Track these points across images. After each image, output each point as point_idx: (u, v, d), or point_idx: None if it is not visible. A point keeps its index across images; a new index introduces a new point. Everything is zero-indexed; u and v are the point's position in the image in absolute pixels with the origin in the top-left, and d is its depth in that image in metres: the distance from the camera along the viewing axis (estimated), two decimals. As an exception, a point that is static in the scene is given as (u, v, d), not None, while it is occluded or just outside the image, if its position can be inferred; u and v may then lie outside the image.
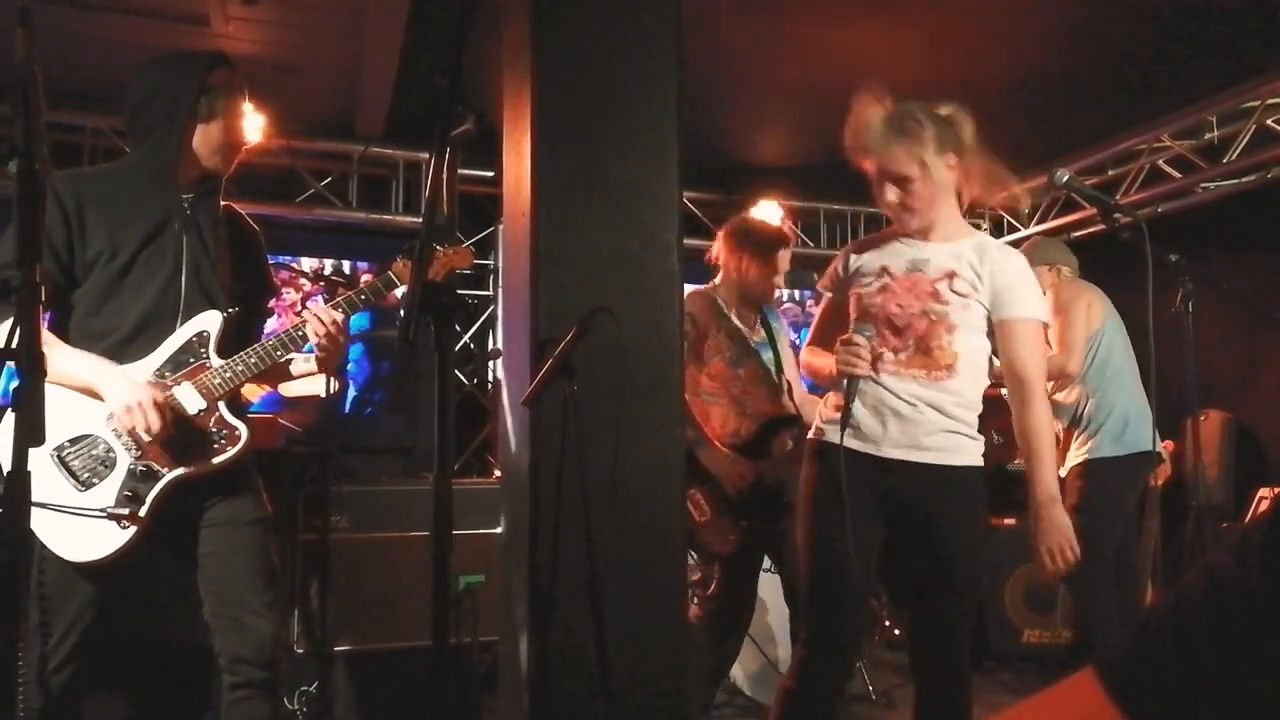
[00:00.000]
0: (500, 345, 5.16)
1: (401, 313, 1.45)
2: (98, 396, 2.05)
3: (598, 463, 2.03)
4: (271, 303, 2.50)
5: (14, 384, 1.23)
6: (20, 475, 1.20)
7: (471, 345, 5.52)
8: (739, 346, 3.08)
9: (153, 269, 2.12)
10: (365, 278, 5.34)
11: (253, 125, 2.30)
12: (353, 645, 3.46)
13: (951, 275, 2.21)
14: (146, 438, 2.05)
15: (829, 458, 2.21)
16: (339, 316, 2.22)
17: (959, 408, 2.21)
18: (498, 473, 4.91)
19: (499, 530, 2.68)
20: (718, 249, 3.20)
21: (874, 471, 2.18)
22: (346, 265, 5.41)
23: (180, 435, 2.08)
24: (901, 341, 2.20)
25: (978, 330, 2.23)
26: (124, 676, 3.07)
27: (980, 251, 2.24)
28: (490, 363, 5.30)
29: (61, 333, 2.09)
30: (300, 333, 2.19)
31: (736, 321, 3.11)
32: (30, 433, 1.19)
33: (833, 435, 2.21)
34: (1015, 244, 6.09)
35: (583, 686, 2.05)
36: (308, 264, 5.24)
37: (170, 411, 2.05)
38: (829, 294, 2.43)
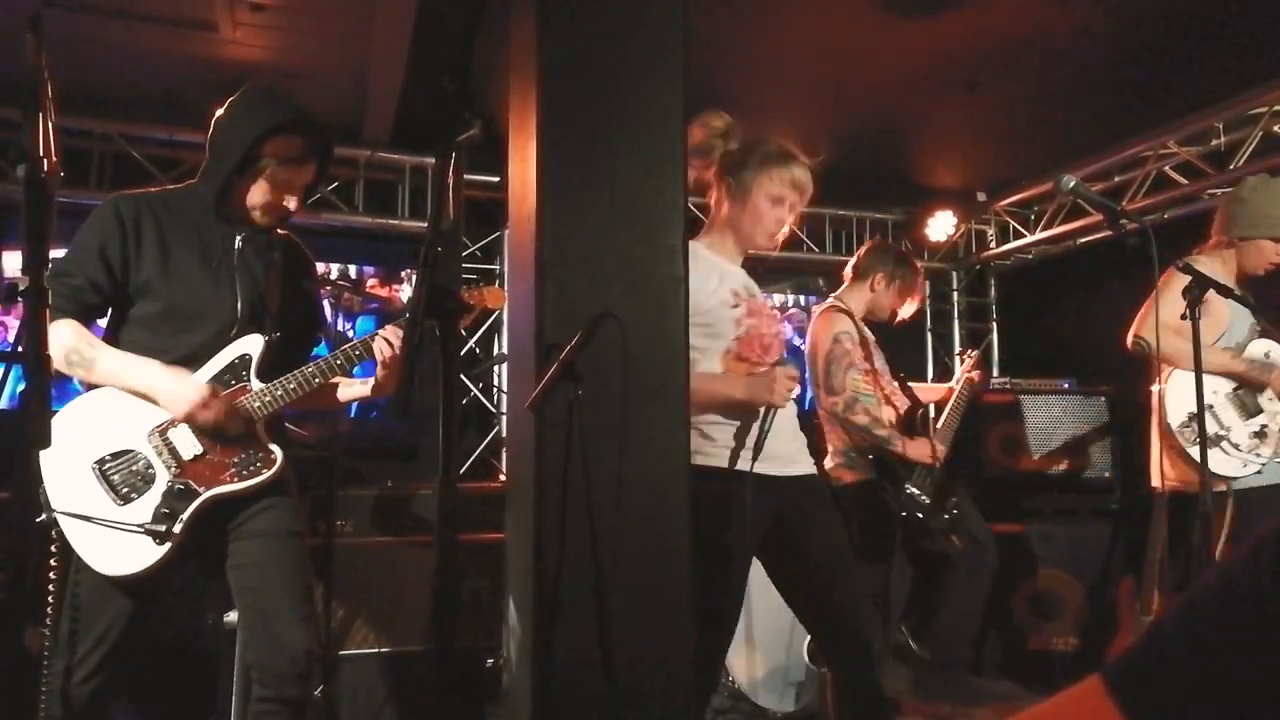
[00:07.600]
0: (505, 350, 5.16)
1: (406, 316, 1.45)
2: (148, 399, 2.06)
3: (603, 467, 2.03)
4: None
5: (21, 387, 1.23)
6: (25, 478, 1.20)
7: (477, 350, 5.52)
8: (874, 350, 3.47)
9: (209, 300, 2.13)
10: (370, 283, 5.39)
11: (307, 190, 2.31)
12: (357, 649, 3.45)
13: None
14: (197, 450, 2.07)
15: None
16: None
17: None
18: (503, 477, 4.91)
19: (504, 535, 2.67)
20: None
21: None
22: (353, 270, 5.42)
23: (220, 455, 2.10)
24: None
25: None
26: (130, 681, 3.07)
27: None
28: (495, 367, 5.29)
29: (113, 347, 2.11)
30: (339, 361, 2.18)
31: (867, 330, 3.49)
32: (36, 436, 1.20)
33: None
34: (1023, 250, 5.95)
35: (587, 693, 2.04)
36: (314, 268, 5.25)
37: (235, 410, 2.09)
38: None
